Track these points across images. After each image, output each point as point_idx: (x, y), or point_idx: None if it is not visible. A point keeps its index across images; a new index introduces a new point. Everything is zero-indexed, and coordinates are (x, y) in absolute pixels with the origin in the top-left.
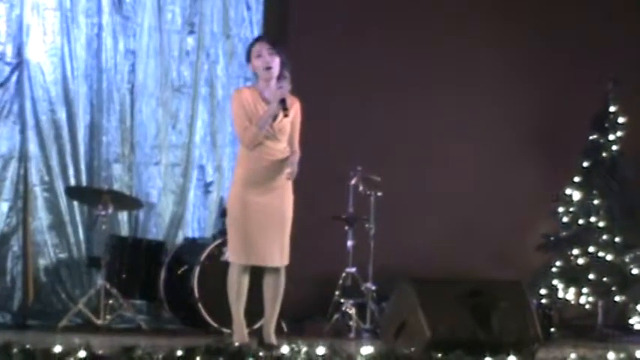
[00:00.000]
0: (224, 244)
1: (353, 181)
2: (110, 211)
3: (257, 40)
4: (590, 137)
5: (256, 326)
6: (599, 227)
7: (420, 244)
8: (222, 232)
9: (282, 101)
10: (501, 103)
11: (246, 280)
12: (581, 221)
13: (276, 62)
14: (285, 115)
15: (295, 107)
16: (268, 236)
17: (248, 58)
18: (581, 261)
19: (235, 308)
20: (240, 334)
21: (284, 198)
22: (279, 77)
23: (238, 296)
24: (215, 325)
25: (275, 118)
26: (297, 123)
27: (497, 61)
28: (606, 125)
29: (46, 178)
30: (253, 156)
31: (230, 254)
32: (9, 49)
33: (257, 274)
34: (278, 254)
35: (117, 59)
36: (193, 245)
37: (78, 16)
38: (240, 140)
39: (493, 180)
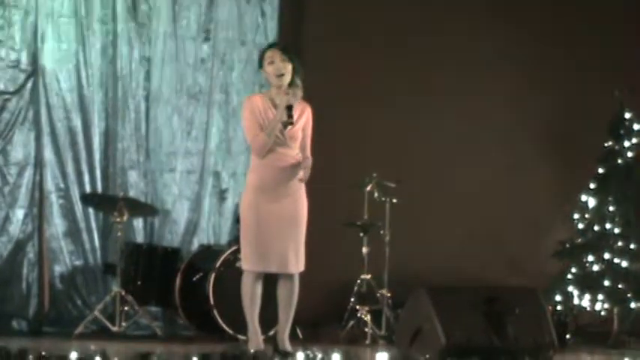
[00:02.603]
0: (239, 250)
1: (368, 188)
2: (125, 217)
3: (270, 46)
4: (606, 144)
5: (272, 333)
6: (614, 234)
7: (435, 250)
8: (237, 239)
9: (289, 108)
10: (516, 109)
11: (259, 288)
12: (596, 228)
13: (288, 69)
14: (290, 123)
15: (307, 113)
16: (281, 243)
17: (260, 64)
18: (596, 267)
19: (250, 315)
20: (255, 340)
21: (297, 204)
22: (291, 84)
23: (252, 303)
24: (230, 331)
25: (286, 125)
26: (308, 129)
27: (512, 67)
28: (621, 132)
29: (62, 185)
30: (265, 163)
31: (243, 262)
32: (24, 56)
33: (272, 280)
34: (292, 261)
35: (132, 66)
36: (208, 252)
37: (93, 23)
38: (251, 147)
39: (508, 187)
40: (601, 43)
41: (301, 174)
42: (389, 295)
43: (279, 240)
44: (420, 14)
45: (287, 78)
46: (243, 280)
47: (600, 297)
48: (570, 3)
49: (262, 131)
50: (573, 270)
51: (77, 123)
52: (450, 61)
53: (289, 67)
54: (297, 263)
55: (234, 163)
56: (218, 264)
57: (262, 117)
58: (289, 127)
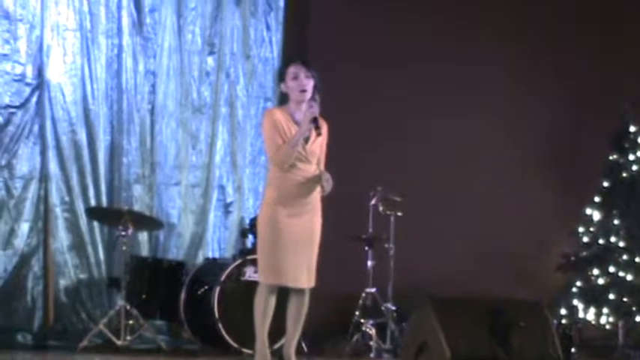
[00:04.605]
0: (244, 264)
1: (373, 201)
2: (130, 231)
3: (294, 61)
4: (610, 157)
5: (277, 346)
6: (619, 247)
7: (439, 263)
8: (242, 253)
9: (314, 120)
10: (522, 123)
11: (273, 301)
12: (601, 241)
13: (310, 86)
14: (318, 134)
15: (324, 129)
16: (298, 257)
17: (282, 78)
18: (601, 281)
19: (260, 328)
20: (262, 354)
21: (314, 220)
22: (310, 100)
23: (265, 316)
24: (235, 345)
25: (307, 140)
26: (324, 145)
27: (517, 82)
28: (626, 145)
29: (67, 199)
30: (285, 177)
31: (260, 274)
32: (29, 69)
33: (279, 294)
34: (305, 276)
35: (137, 80)
36: (213, 265)
37: (98, 37)
38: (272, 161)
39: (513, 200)
40: (604, 56)
41: (321, 187)
42: (394, 308)
43: (296, 255)
44: (427, 32)
45: (308, 94)
46: (258, 293)
47: (605, 310)
48: (572, 16)
49: (284, 144)
50: (578, 283)
51: (82, 136)
52: (454, 79)
53: (311, 83)
54: (309, 278)
55: (239, 176)
56: (223, 277)
57: (284, 131)
58: (312, 139)
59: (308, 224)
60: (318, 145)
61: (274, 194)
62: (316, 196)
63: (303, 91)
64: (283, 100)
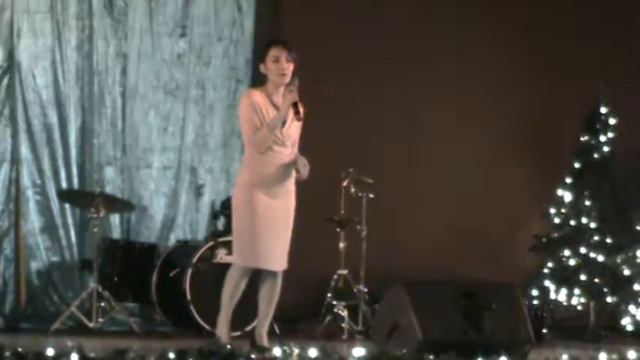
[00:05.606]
0: (216, 246)
1: (345, 183)
2: (102, 213)
3: (276, 43)
4: (582, 138)
5: (249, 328)
6: (590, 228)
7: (411, 245)
8: (213, 235)
9: (295, 105)
10: (494, 104)
11: (244, 283)
12: (572, 222)
13: (290, 70)
14: (298, 120)
15: (302, 113)
16: (272, 240)
17: (262, 59)
18: (572, 262)
19: (226, 308)
20: (223, 333)
21: (289, 204)
22: (289, 83)
23: (233, 297)
24: (207, 327)
25: (284, 123)
26: (299, 129)
27: (490, 62)
28: (597, 126)
29: (38, 181)
30: (261, 159)
31: (235, 256)
32: (0, 52)
33: (251, 276)
34: (279, 259)
35: (108, 62)
36: (185, 248)
37: (69, 19)
38: (249, 143)
39: (485, 181)
40: (576, 39)
41: (296, 171)
42: (366, 290)
43: (271, 237)
44: (403, 14)
45: (288, 78)
46: (230, 273)
47: (576, 291)
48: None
49: (262, 127)
50: (550, 264)
51: (53, 119)
52: (428, 58)
53: (291, 67)
54: (282, 261)
55: (211, 158)
56: (195, 260)
57: (262, 113)
58: (288, 123)
59: (283, 207)
60: (295, 128)
61: (249, 176)
62: (291, 178)
63: (283, 75)
64: (259, 80)
